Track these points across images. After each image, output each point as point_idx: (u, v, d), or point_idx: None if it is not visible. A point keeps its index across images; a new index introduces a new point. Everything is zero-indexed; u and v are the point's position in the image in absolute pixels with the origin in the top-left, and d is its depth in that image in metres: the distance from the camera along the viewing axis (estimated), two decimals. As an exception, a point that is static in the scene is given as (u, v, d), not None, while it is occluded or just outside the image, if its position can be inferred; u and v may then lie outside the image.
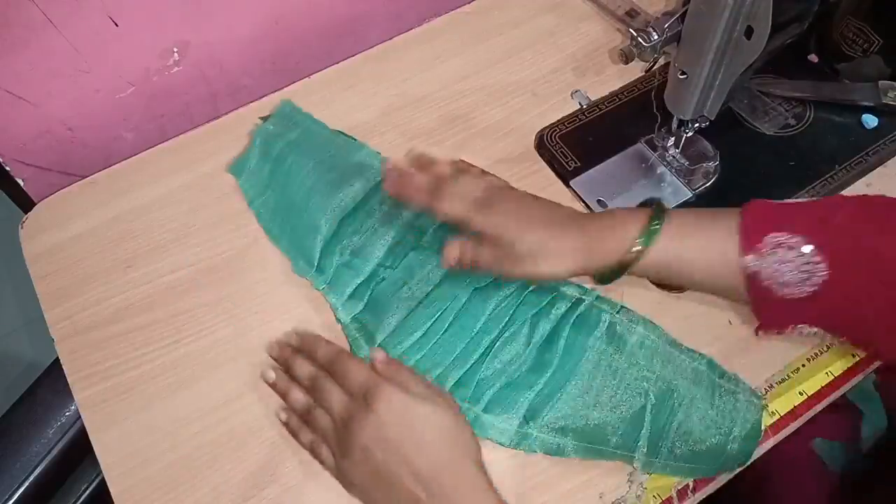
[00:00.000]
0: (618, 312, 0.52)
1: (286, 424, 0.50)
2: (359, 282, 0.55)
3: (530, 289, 0.54)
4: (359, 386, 0.46)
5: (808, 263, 0.43)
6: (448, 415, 0.45)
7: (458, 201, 0.49)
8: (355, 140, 0.63)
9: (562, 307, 0.53)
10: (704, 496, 0.49)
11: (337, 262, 0.56)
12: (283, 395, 0.51)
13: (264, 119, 0.65)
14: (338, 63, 0.69)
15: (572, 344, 0.51)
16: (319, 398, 0.48)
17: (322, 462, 0.47)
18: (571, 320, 0.52)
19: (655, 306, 0.54)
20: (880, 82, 0.60)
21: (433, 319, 0.52)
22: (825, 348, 0.52)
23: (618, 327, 0.52)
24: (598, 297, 0.53)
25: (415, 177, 0.51)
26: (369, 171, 0.59)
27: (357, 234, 0.57)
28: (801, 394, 0.51)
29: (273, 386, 0.51)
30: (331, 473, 0.47)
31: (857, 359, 0.52)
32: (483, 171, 0.56)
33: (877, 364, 0.52)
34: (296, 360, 0.51)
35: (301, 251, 0.57)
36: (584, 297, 0.53)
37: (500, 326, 0.52)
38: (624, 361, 0.50)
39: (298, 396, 0.49)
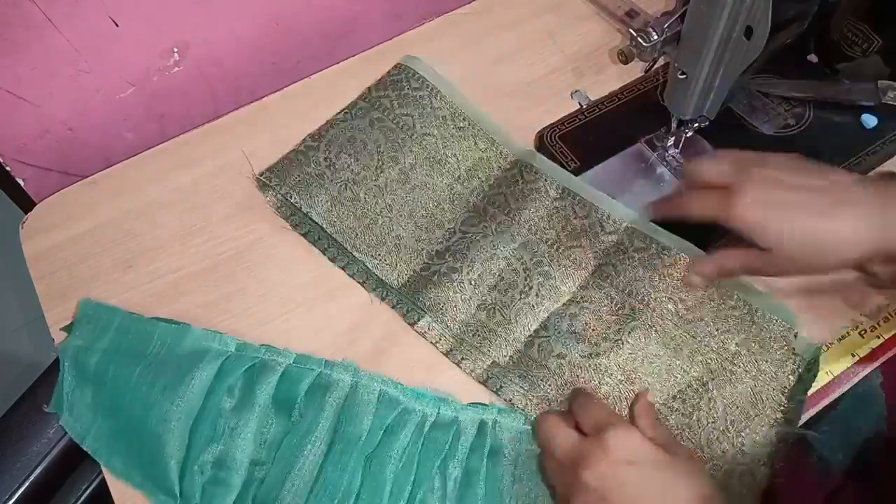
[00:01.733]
0: (523, 423, 0.50)
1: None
2: (233, 498, 0.48)
3: (426, 429, 0.49)
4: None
5: None
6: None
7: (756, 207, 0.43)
8: (178, 324, 0.54)
9: (468, 439, 0.49)
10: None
11: (201, 482, 0.48)
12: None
13: (67, 329, 0.55)
14: (338, 63, 0.69)
15: (490, 476, 0.48)
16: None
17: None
18: (485, 453, 0.49)
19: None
20: (880, 82, 0.60)
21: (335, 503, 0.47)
22: (825, 347, 0.52)
23: (519, 444, 0.49)
24: (499, 411, 0.50)
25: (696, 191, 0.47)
26: (206, 357, 0.51)
27: (213, 441, 0.49)
28: (800, 393, 0.51)
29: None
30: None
31: (857, 358, 0.52)
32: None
33: (881, 361, 0.52)
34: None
35: (156, 482, 0.49)
36: (484, 416, 0.50)
37: (410, 487, 0.47)
38: (527, 473, 0.49)
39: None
